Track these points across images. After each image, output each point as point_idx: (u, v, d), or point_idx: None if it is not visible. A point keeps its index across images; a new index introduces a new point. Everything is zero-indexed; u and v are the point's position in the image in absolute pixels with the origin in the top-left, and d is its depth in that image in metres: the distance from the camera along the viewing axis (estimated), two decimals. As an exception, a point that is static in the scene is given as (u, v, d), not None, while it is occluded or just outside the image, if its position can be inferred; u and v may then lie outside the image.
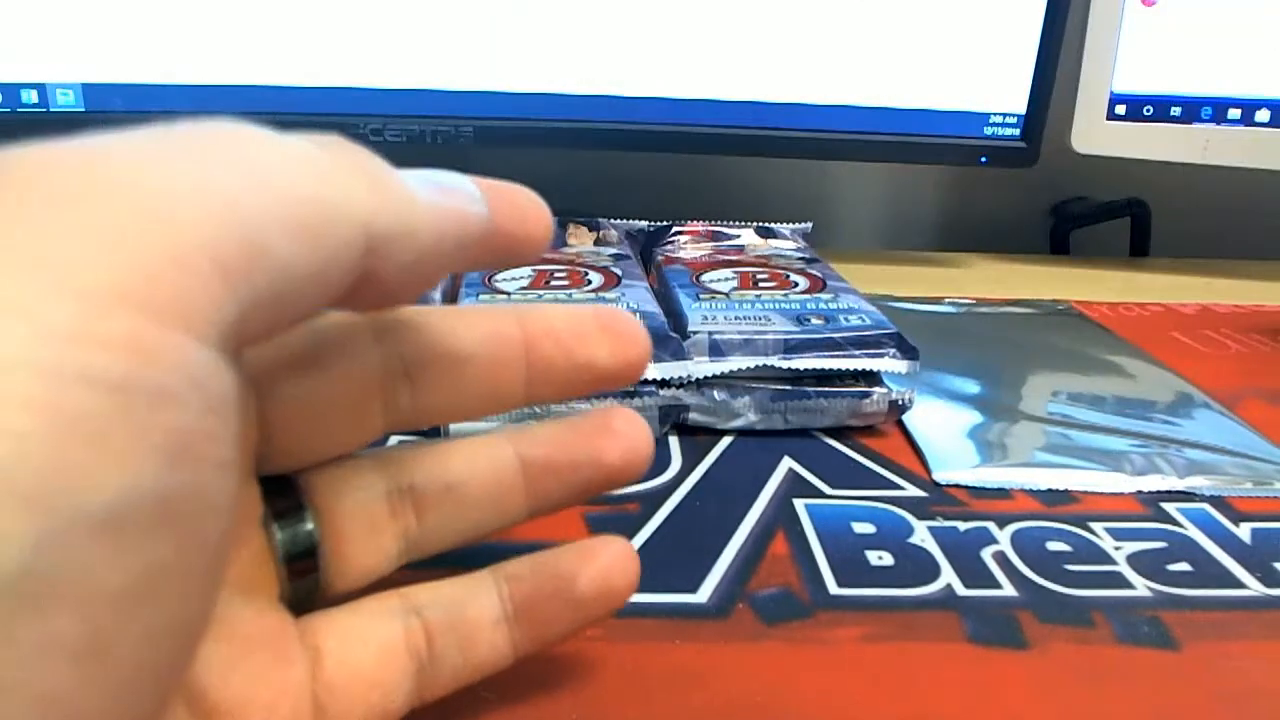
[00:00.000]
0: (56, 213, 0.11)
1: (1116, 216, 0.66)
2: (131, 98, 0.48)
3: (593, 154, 0.61)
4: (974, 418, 0.35)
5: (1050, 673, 0.22)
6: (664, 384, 0.32)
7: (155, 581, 0.11)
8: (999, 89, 0.52)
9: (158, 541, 0.11)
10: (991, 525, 0.28)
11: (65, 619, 0.10)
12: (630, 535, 0.27)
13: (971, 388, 0.38)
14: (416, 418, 0.19)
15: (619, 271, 0.39)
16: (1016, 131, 0.53)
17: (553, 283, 0.37)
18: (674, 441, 0.32)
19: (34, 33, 0.47)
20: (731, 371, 0.32)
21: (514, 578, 0.19)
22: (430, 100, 0.50)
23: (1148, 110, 0.55)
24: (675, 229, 0.48)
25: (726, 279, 0.39)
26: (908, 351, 0.33)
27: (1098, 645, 0.23)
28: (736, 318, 0.34)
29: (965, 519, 0.28)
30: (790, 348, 0.32)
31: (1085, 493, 0.30)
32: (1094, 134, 0.55)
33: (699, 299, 0.36)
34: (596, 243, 0.45)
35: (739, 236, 0.47)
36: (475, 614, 0.18)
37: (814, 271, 0.41)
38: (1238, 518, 0.29)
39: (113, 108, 0.48)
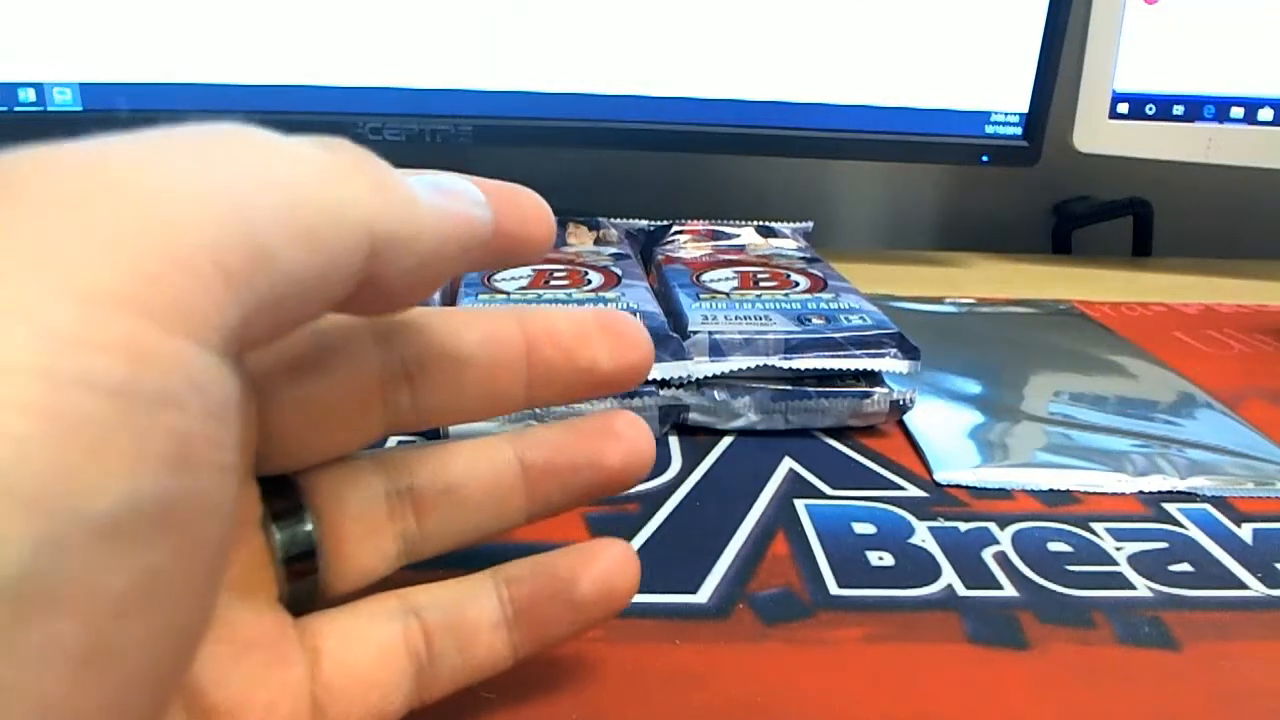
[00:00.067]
0: (58, 215, 0.10)
1: (1119, 216, 0.66)
2: (130, 97, 0.48)
3: (593, 153, 0.61)
4: (975, 418, 0.35)
5: (1051, 673, 0.22)
6: (664, 384, 0.32)
7: (155, 585, 0.11)
8: (1000, 88, 0.52)
9: (158, 546, 0.11)
10: (992, 526, 0.28)
11: (64, 623, 0.10)
12: (630, 535, 0.27)
13: (973, 388, 0.38)
14: (417, 419, 0.19)
15: (619, 271, 0.39)
16: (1018, 130, 0.53)
17: (552, 282, 0.37)
18: (674, 441, 0.32)
19: (31, 32, 0.47)
20: (732, 371, 0.32)
21: (514, 579, 0.19)
22: (430, 99, 0.50)
23: (1150, 109, 0.55)
24: (675, 228, 0.47)
25: (727, 279, 0.39)
26: (909, 351, 0.33)
27: (1098, 646, 0.23)
28: (737, 317, 0.34)
29: (966, 519, 0.28)
30: (791, 347, 0.32)
31: (1086, 493, 0.30)
32: (1096, 133, 0.55)
33: (699, 299, 0.36)
34: (596, 242, 0.45)
35: (739, 236, 0.47)
36: (475, 616, 0.18)
37: (815, 271, 0.41)
38: (1239, 518, 0.29)
39: (111, 107, 0.48)
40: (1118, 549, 0.27)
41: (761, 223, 0.48)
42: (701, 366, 0.32)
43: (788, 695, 0.21)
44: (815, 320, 0.34)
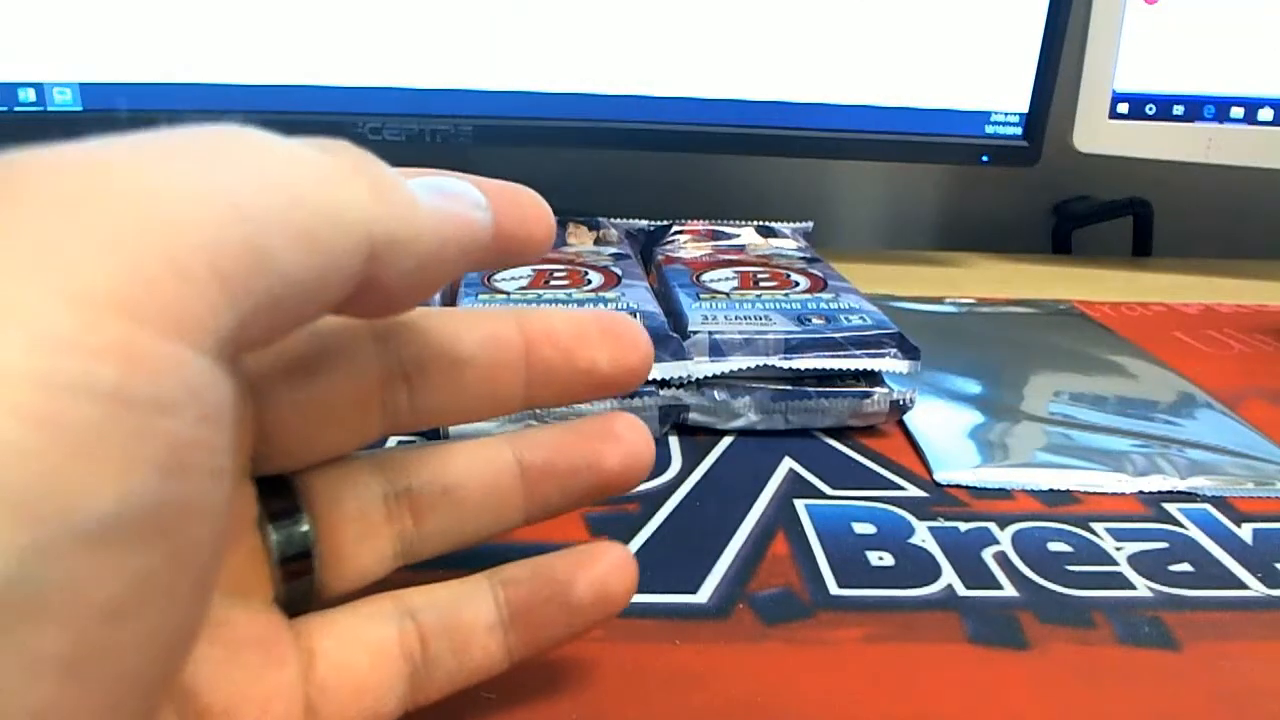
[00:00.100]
0: (55, 218, 0.10)
1: (1119, 216, 0.66)
2: (130, 97, 0.48)
3: (593, 153, 0.61)
4: (975, 418, 0.35)
5: (1051, 673, 0.22)
6: (664, 384, 0.32)
7: (145, 592, 0.11)
8: (1000, 88, 0.52)
9: (148, 552, 0.11)
10: (992, 525, 0.28)
11: (53, 631, 0.10)
12: (630, 535, 0.27)
13: (973, 388, 0.38)
14: (415, 419, 0.19)
15: (619, 271, 0.39)
16: (1018, 130, 0.53)
17: (552, 282, 0.37)
18: (674, 441, 0.32)
19: (31, 32, 0.47)
20: (732, 371, 0.32)
21: (510, 582, 0.19)
22: (430, 99, 0.50)
23: (1150, 109, 0.55)
24: (675, 228, 0.47)
25: (727, 278, 0.39)
26: (909, 351, 0.33)
27: (1098, 646, 0.23)
28: (737, 317, 0.34)
29: (966, 519, 0.28)
30: (791, 347, 0.32)
31: (1086, 493, 0.30)
32: (1096, 133, 0.55)
33: (699, 299, 0.36)
34: (596, 242, 0.45)
35: (739, 236, 0.47)
36: (470, 618, 0.18)
37: (815, 271, 0.41)
38: (1239, 518, 0.29)
39: (111, 107, 0.48)
40: (1118, 549, 0.27)
41: (761, 223, 0.48)
42: (701, 366, 0.32)
43: (788, 695, 0.21)
44: (815, 320, 0.34)
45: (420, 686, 0.18)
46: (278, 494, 0.17)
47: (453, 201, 0.15)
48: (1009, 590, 0.25)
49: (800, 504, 0.29)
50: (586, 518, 0.27)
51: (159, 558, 0.11)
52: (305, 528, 0.18)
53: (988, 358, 0.41)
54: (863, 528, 0.28)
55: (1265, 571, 0.26)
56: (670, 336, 0.32)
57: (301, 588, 0.18)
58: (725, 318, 0.34)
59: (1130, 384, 0.39)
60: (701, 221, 0.48)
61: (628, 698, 0.21)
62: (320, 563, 0.18)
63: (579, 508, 0.20)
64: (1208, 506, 0.30)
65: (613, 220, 0.47)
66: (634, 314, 0.34)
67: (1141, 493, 0.30)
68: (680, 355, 0.32)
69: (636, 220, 0.48)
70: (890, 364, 0.33)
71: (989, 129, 0.53)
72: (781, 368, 0.32)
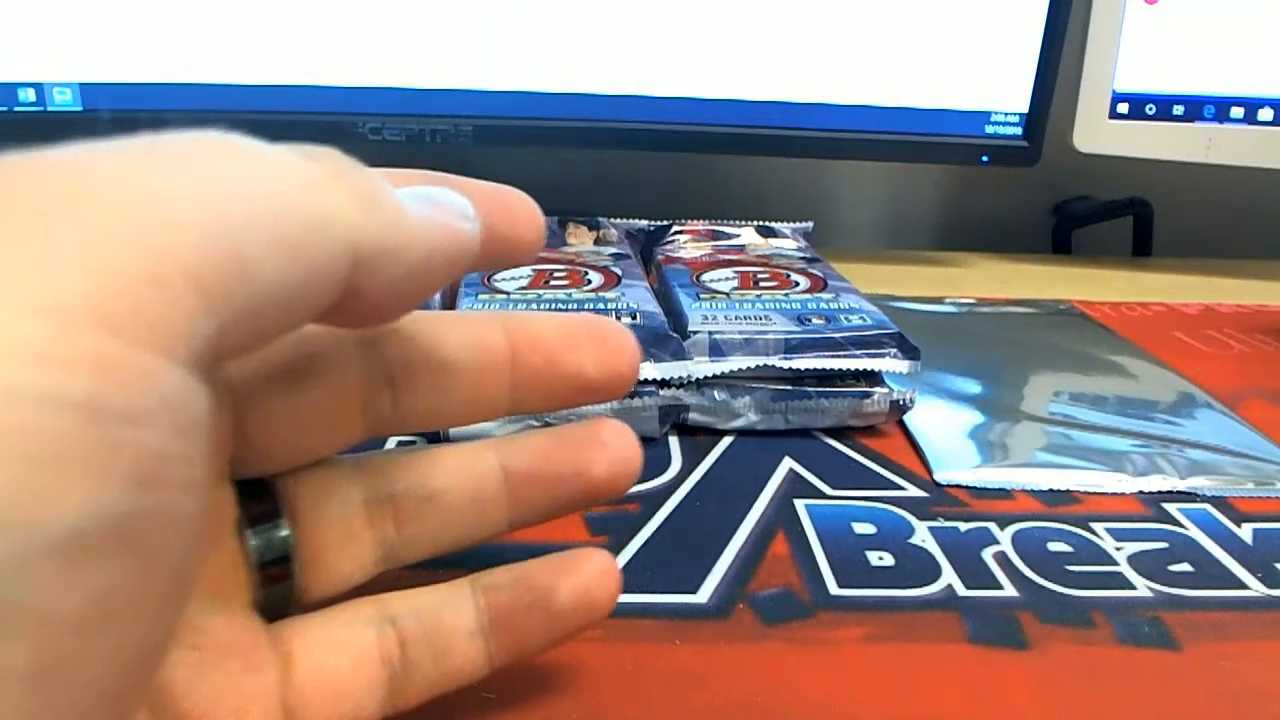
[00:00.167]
0: (30, 226, 0.10)
1: (1119, 216, 0.66)
2: (130, 97, 0.48)
3: (593, 153, 0.61)
4: (975, 418, 0.35)
5: (1051, 673, 0.22)
6: (664, 384, 0.32)
7: (114, 605, 0.10)
8: (1000, 88, 0.52)
9: (118, 565, 0.10)
10: (992, 525, 0.28)
11: (17, 644, 0.10)
12: (630, 535, 0.27)
13: (973, 388, 0.38)
14: (399, 423, 0.18)
15: (619, 271, 0.39)
16: (1018, 130, 0.53)
17: (552, 282, 0.37)
18: (674, 441, 0.32)
19: (31, 32, 0.47)
20: (732, 371, 0.32)
21: (492, 587, 0.19)
22: (430, 99, 0.50)
23: (1150, 109, 0.55)
24: (675, 228, 0.47)
25: (727, 278, 0.39)
26: (909, 351, 0.33)
27: (1098, 646, 0.23)
28: (737, 317, 0.34)
29: (966, 519, 0.28)
30: (791, 347, 0.32)
31: (1086, 493, 0.30)
32: (1096, 133, 0.55)
33: (699, 299, 0.36)
34: (596, 242, 0.45)
35: (739, 236, 0.47)
36: (451, 623, 0.18)
37: (815, 271, 0.41)
38: (1239, 518, 0.29)
39: (111, 107, 0.48)
40: (1118, 549, 0.27)
41: (761, 223, 0.48)
42: (701, 366, 0.32)
43: (788, 695, 0.21)
44: (815, 320, 0.34)
45: (400, 692, 0.18)
46: (258, 498, 0.17)
47: (440, 212, 0.15)
48: (1009, 590, 0.25)
49: (800, 504, 0.29)
50: (587, 518, 0.27)
51: (129, 569, 0.11)
52: (285, 532, 0.17)
53: (988, 358, 0.41)
54: (863, 528, 0.28)
55: (1265, 571, 0.26)
56: (670, 336, 0.32)
57: (281, 592, 0.17)
58: (725, 318, 0.34)
59: (1130, 384, 0.39)
60: (701, 221, 0.48)
61: (628, 698, 0.21)
62: (300, 568, 0.18)
63: (567, 514, 0.20)
64: (1208, 506, 0.30)
65: (613, 220, 0.47)
66: (634, 314, 0.34)
67: (1141, 493, 0.30)
68: (680, 355, 0.32)
69: (636, 220, 0.48)
70: (890, 364, 0.33)
71: (989, 129, 0.53)
72: (781, 368, 0.32)
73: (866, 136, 0.52)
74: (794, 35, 0.51)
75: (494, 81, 0.50)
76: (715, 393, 0.32)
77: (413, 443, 0.30)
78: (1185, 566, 0.26)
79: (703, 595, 0.24)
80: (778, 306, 0.36)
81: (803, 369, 0.32)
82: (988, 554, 0.27)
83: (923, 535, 0.27)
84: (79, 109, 0.48)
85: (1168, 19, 0.53)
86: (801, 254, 0.44)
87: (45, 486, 0.09)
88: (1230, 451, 0.33)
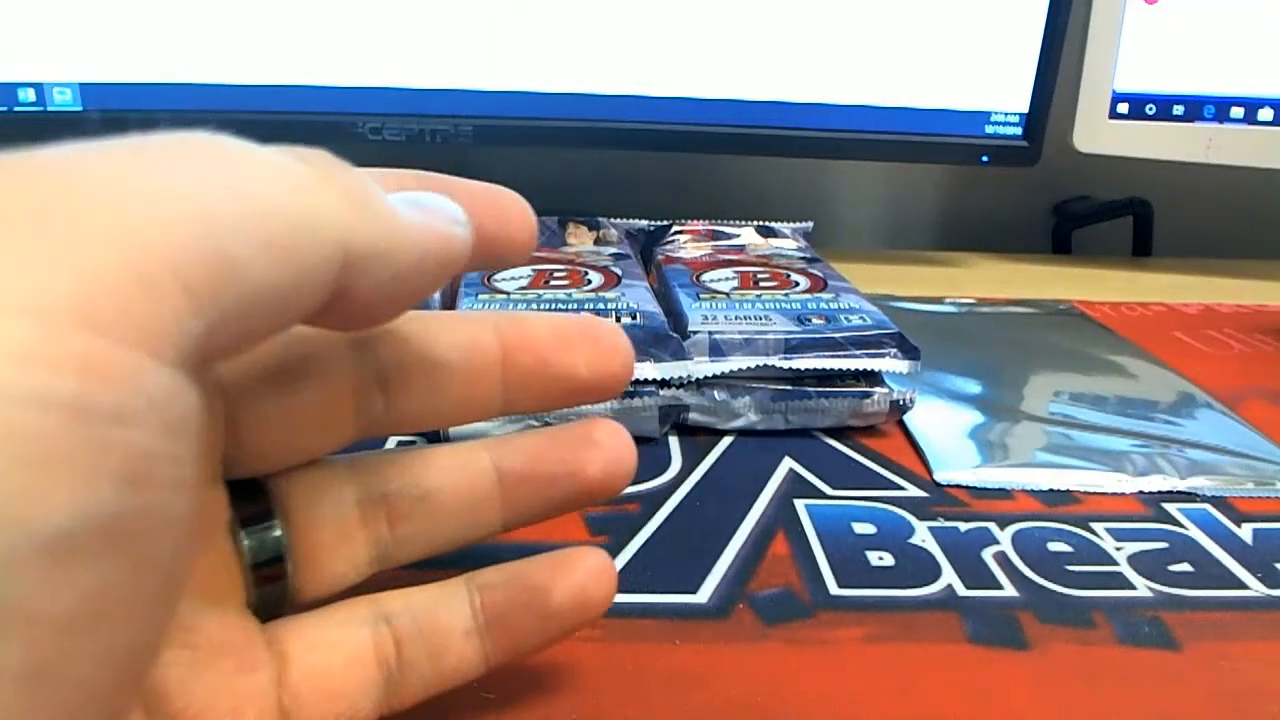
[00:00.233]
0: (17, 226, 0.10)
1: (1119, 216, 0.66)
2: (130, 97, 0.48)
3: (593, 153, 0.61)
4: (975, 418, 0.35)
5: (1051, 673, 0.22)
6: (664, 384, 0.32)
7: (104, 605, 0.10)
8: (1000, 88, 0.52)
9: (107, 565, 0.10)
10: (992, 525, 0.28)
11: (7, 644, 0.10)
12: (631, 535, 0.27)
13: (973, 388, 0.38)
14: (391, 424, 0.18)
15: (619, 271, 0.39)
16: (1018, 130, 0.53)
17: (552, 282, 0.37)
18: (674, 441, 0.32)
19: (31, 32, 0.47)
20: (732, 371, 0.32)
21: (487, 587, 0.19)
22: (430, 99, 0.50)
23: (1150, 109, 0.55)
24: (675, 228, 0.47)
25: (727, 278, 0.39)
26: (909, 351, 0.33)
27: (1098, 646, 0.23)
28: (737, 317, 0.34)
29: (966, 519, 0.28)
30: (791, 347, 0.32)
31: (1086, 493, 0.30)
32: (1096, 133, 0.55)
33: (699, 299, 0.36)
34: (596, 242, 0.45)
35: (739, 236, 0.47)
36: (446, 623, 0.18)
37: (815, 271, 0.41)
38: (1239, 518, 0.29)
39: (111, 107, 0.48)
40: (1118, 549, 0.27)
41: (761, 223, 0.48)
42: (701, 366, 0.32)
43: (788, 695, 0.21)
44: (815, 320, 0.34)
45: (395, 691, 0.18)
46: (250, 498, 0.17)
47: (431, 216, 0.15)
48: (1009, 590, 0.25)
49: (800, 504, 0.29)
50: (587, 518, 0.27)
51: (119, 569, 0.11)
52: (278, 533, 0.17)
53: (988, 358, 0.41)
54: (863, 528, 0.28)
55: (1265, 571, 0.26)
56: (670, 336, 0.32)
57: (274, 592, 0.17)
58: (725, 318, 0.34)
59: (1130, 384, 0.39)
60: (701, 221, 0.48)
61: (627, 698, 0.21)
62: (293, 568, 0.18)
63: (562, 515, 0.20)
64: (1208, 506, 0.30)
65: (613, 220, 0.47)
66: (634, 314, 0.34)
67: (1141, 493, 0.30)
68: (680, 355, 0.32)
69: (636, 220, 0.48)
70: (890, 364, 0.33)
71: (989, 129, 0.53)
72: (781, 368, 0.32)
73: (866, 136, 0.52)
74: (793, 35, 0.51)
75: (494, 81, 0.50)
76: (715, 393, 0.32)
77: (412, 443, 0.30)
78: (1185, 566, 0.26)
79: (703, 595, 0.24)
80: (778, 306, 0.36)
81: (803, 369, 0.32)
82: (988, 554, 0.27)
83: (923, 535, 0.27)
84: (79, 109, 0.48)
85: (1168, 19, 0.53)
86: (801, 254, 0.44)
87: (33, 486, 0.09)
88: (1230, 451, 0.33)
